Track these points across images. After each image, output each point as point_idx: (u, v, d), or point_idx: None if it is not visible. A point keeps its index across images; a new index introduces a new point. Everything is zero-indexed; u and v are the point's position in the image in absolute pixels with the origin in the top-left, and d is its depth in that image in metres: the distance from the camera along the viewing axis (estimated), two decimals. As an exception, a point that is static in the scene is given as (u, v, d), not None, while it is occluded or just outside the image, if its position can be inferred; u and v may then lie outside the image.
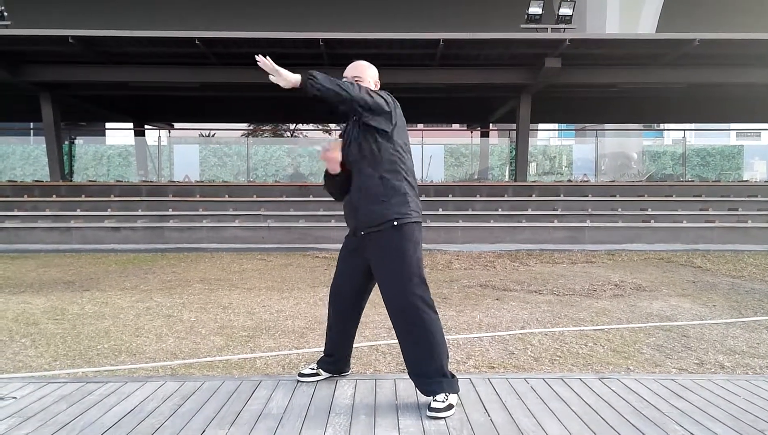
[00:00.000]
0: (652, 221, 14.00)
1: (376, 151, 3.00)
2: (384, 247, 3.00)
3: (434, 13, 24.50)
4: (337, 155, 3.08)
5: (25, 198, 14.71)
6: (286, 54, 14.24)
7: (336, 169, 3.11)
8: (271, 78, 2.79)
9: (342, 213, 3.25)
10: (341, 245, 3.30)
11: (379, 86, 3.18)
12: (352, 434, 2.68)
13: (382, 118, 2.95)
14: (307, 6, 24.19)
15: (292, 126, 34.58)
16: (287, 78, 2.74)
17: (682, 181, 17.59)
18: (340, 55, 13.91)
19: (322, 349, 3.44)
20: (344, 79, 3.04)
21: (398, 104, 3.05)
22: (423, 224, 3.17)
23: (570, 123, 28.11)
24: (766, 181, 17.64)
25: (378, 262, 3.05)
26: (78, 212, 14.12)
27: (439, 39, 12.93)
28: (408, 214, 2.99)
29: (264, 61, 2.79)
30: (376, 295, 3.23)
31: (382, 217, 2.97)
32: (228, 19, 24.04)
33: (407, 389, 3.21)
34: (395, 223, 2.96)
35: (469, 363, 4.10)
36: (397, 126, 3.03)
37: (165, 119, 22.67)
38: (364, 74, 3.13)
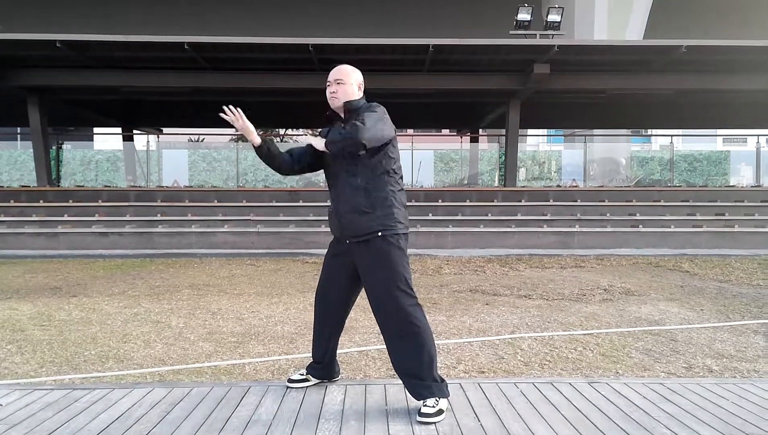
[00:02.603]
0: (641, 226, 14.09)
1: (368, 162, 2.99)
2: (371, 257, 2.99)
3: (424, 19, 24.61)
4: (243, 124, 3.13)
5: (12, 203, 14.56)
6: (276, 59, 14.24)
7: (254, 140, 3.16)
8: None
9: None
10: (327, 250, 3.29)
11: (363, 89, 3.16)
12: (341, 440, 2.67)
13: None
14: (298, 11, 24.22)
15: (281, 130, 34.53)
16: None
17: (670, 187, 17.73)
18: (329, 60, 13.88)
19: (311, 354, 3.43)
20: (327, 83, 3.09)
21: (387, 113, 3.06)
22: (413, 229, 3.18)
23: (559, 128, 28.26)
24: (752, 187, 17.80)
25: (366, 271, 3.04)
26: (65, 217, 14.00)
27: (429, 45, 12.98)
28: (393, 226, 2.99)
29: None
30: (365, 300, 3.22)
31: (368, 228, 2.96)
32: (218, 24, 24.01)
33: (397, 394, 3.20)
34: (380, 234, 2.96)
35: (459, 368, 4.10)
36: (392, 139, 3.05)
37: (154, 124, 22.56)
38: (348, 77, 3.09)
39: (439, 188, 17.39)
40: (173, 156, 19.58)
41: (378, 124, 2.91)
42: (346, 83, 3.07)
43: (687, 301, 6.77)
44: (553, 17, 14.04)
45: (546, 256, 11.85)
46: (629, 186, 18.27)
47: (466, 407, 3.05)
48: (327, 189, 3.20)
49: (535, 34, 14.15)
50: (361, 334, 5.01)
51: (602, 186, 17.76)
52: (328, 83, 3.10)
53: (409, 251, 3.15)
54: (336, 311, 3.24)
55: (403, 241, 3.04)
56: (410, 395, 3.01)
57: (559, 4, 14.62)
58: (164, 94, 17.09)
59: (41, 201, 14.75)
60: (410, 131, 23.42)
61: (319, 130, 3.22)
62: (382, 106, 3.04)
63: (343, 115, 3.09)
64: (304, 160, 3.23)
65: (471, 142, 21.33)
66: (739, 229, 13.97)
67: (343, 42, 13.20)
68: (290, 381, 3.37)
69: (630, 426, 2.82)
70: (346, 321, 3.40)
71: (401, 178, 3.13)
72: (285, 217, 14.30)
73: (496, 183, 18.44)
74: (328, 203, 3.22)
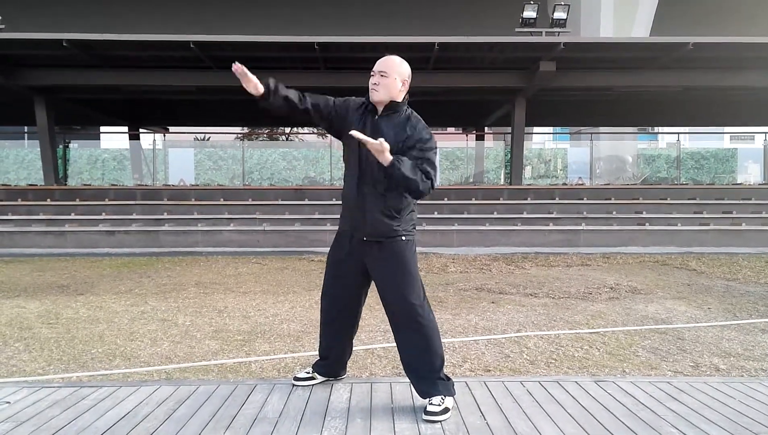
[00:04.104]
0: (647, 224, 14.03)
1: None
2: (387, 257, 3.00)
3: (429, 16, 24.56)
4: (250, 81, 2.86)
5: (19, 202, 14.64)
6: (282, 58, 14.25)
7: (254, 90, 2.88)
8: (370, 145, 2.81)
9: (338, 217, 3.23)
10: (330, 247, 3.27)
11: (408, 84, 3.08)
12: (347, 438, 2.67)
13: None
14: (302, 10, 24.22)
15: (287, 129, 34.56)
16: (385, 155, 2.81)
17: (677, 184, 17.66)
18: (335, 58, 13.92)
19: (317, 352, 3.43)
20: (372, 76, 3.01)
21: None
22: (418, 228, 3.20)
23: (565, 126, 28.18)
24: (759, 184, 17.71)
25: (379, 270, 3.04)
26: (72, 216, 14.06)
27: (434, 42, 12.95)
28: (411, 232, 3.06)
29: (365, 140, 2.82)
30: (371, 298, 3.22)
31: (393, 231, 2.98)
32: (223, 22, 24.03)
33: (403, 392, 3.20)
34: (402, 238, 3.00)
35: (465, 366, 4.10)
36: None
37: (160, 123, 22.63)
38: (392, 71, 3.00)
39: (445, 186, 17.35)
40: (179, 155, 19.68)
41: (431, 179, 2.95)
42: (390, 77, 2.99)
43: (694, 300, 6.74)
44: (559, 14, 13.98)
45: (552, 254, 11.82)
46: (636, 184, 18.21)
47: (472, 405, 3.05)
48: (331, 188, 3.19)
49: (541, 32, 14.09)
50: (367, 333, 5.01)
51: (608, 184, 17.70)
52: (372, 73, 3.02)
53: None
54: (342, 310, 3.22)
55: (414, 244, 3.10)
56: (416, 393, 3.02)
57: (565, 1, 14.56)
58: (170, 93, 17.13)
59: (48, 199, 14.82)
60: (416, 129, 23.40)
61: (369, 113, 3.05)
62: (434, 138, 3.01)
63: (380, 110, 3.04)
64: (323, 113, 3.03)
65: (476, 140, 21.31)
66: (746, 227, 13.89)
67: (348, 40, 13.18)
68: (296, 379, 3.37)
69: (637, 425, 2.81)
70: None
71: None
72: (290, 215, 14.32)
73: (502, 181, 18.41)
74: (335, 202, 3.21)
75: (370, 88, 3.03)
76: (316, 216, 14.14)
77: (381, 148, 2.76)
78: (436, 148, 3.01)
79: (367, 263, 3.07)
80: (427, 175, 2.89)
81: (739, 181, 18.86)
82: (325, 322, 3.28)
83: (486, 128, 22.39)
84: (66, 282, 8.12)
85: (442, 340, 3.12)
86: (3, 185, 16.56)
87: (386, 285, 3.03)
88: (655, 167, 19.47)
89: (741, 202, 15.17)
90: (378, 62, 3.04)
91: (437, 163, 2.93)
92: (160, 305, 6.38)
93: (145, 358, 4.32)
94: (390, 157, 2.79)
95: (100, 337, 4.96)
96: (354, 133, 2.81)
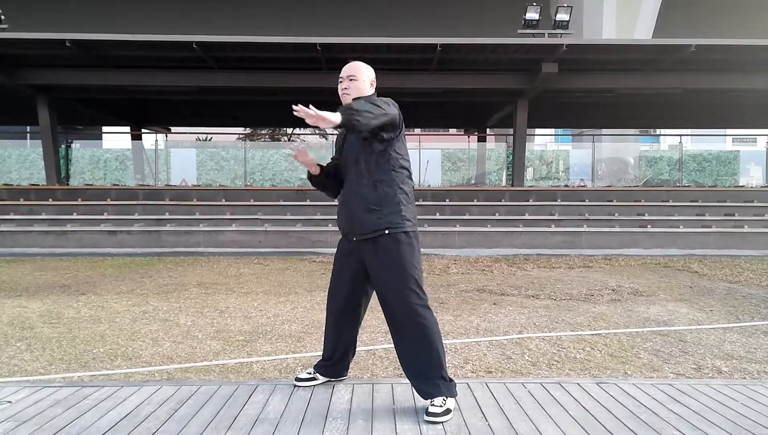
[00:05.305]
0: (649, 226, 14.02)
1: (374, 158, 2.99)
2: (379, 255, 2.98)
3: (432, 18, 24.59)
4: (307, 158, 3.11)
5: (22, 201, 14.66)
6: (284, 58, 14.26)
7: (314, 171, 3.18)
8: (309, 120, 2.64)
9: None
10: (336, 248, 3.29)
11: (375, 86, 3.17)
12: (349, 439, 2.67)
13: (392, 130, 2.98)
14: (305, 10, 24.25)
15: (289, 130, 34.57)
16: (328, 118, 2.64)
17: (679, 187, 17.63)
18: (337, 59, 13.88)
19: (319, 353, 3.43)
20: (340, 79, 3.10)
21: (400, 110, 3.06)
22: (420, 229, 3.17)
23: (567, 128, 28.16)
24: (762, 187, 17.67)
25: (374, 269, 3.03)
26: (74, 216, 14.08)
27: (437, 44, 12.96)
28: (400, 224, 2.97)
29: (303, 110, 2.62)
30: (372, 299, 3.22)
31: (375, 225, 2.96)
32: (226, 23, 24.07)
33: (404, 394, 3.19)
34: (386, 232, 2.95)
35: (466, 368, 4.09)
36: (400, 133, 3.06)
37: (162, 123, 22.64)
38: (360, 74, 3.09)
39: (447, 187, 17.36)
40: (181, 155, 19.67)
41: (388, 116, 2.90)
42: (359, 80, 3.08)
43: (696, 302, 6.73)
44: (562, 16, 13.98)
45: (554, 256, 11.81)
46: (638, 186, 18.19)
47: (473, 407, 3.04)
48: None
49: (544, 33, 14.09)
50: (369, 333, 5.01)
51: (610, 186, 17.68)
52: (340, 79, 3.10)
53: (417, 250, 3.14)
54: (346, 311, 3.22)
55: (413, 238, 3.01)
56: (418, 394, 3.01)
57: (568, 3, 14.55)
58: (172, 93, 17.15)
59: (50, 199, 14.84)
60: (418, 130, 23.43)
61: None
62: (390, 99, 3.03)
63: None
64: (340, 174, 3.20)
65: (478, 141, 21.30)
66: (748, 230, 13.87)
67: (350, 41, 13.20)
68: (298, 380, 3.37)
69: (639, 427, 2.80)
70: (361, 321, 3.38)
71: (410, 174, 3.13)
72: (292, 216, 14.33)
73: (504, 182, 18.40)
74: (337, 203, 3.22)
75: (340, 93, 3.11)
76: (318, 217, 14.16)
77: (316, 115, 2.59)
78: (385, 105, 2.92)
79: (366, 263, 3.07)
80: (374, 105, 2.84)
81: (741, 184, 18.83)
82: (328, 322, 3.29)
83: (488, 130, 22.40)
84: (68, 282, 8.13)
85: (444, 341, 3.12)
86: (5, 185, 16.59)
87: (382, 284, 3.01)
88: (657, 169, 19.44)
89: (743, 204, 15.15)
90: (344, 69, 3.12)
91: (388, 110, 2.87)
92: (161, 305, 6.38)
93: (146, 358, 4.32)
94: (335, 118, 2.63)
95: (101, 336, 4.96)
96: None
